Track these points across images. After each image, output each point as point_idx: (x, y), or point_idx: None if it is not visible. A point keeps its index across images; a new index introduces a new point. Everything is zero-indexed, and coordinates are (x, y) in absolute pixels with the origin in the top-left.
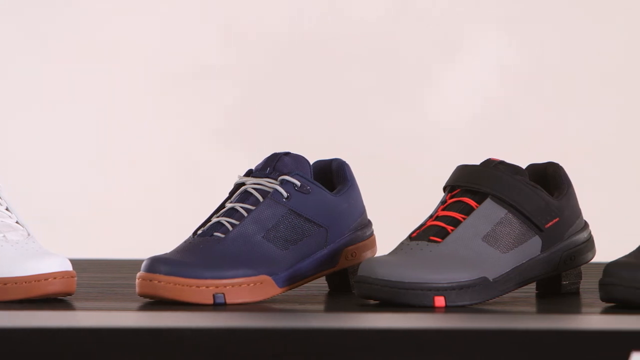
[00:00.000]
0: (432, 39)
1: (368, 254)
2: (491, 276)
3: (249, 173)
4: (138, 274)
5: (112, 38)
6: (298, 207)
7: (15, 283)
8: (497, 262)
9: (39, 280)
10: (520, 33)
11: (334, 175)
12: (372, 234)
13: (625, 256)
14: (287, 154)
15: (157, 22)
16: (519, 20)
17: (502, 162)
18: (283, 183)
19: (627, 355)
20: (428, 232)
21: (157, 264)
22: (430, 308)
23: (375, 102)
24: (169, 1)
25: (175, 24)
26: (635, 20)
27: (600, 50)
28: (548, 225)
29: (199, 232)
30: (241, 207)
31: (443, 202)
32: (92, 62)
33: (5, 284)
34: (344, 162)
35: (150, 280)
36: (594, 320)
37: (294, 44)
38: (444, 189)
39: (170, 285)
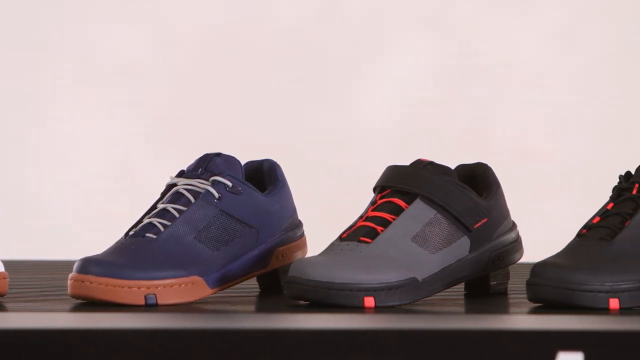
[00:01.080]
0: (360, 39)
1: (299, 255)
2: (420, 276)
3: (181, 174)
4: (70, 275)
5: (42, 37)
6: (229, 208)
7: None
8: (426, 263)
9: None
10: (449, 33)
11: (265, 176)
12: (302, 235)
13: (553, 256)
14: (218, 154)
15: (87, 21)
16: (447, 19)
17: (431, 163)
18: (214, 184)
19: (554, 355)
20: (358, 233)
21: (89, 264)
22: (360, 308)
23: (306, 102)
24: (99, 1)
25: (105, 23)
26: (560, 18)
27: (529, 49)
28: (477, 225)
29: (131, 233)
30: (173, 207)
31: (373, 202)
32: (19, 58)
33: None
34: (275, 162)
35: (82, 281)
36: (521, 320)
37: (224, 44)
38: (374, 189)
39: (102, 286)
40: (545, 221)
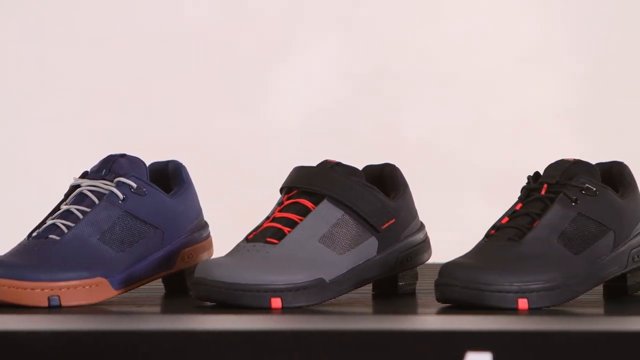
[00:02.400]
0: (270, 38)
1: (205, 256)
2: (328, 277)
3: (85, 175)
4: None
5: None
6: (134, 209)
7: None
8: (334, 263)
9: None
10: (359, 32)
11: (170, 177)
12: (208, 236)
13: (461, 257)
14: (123, 155)
15: None
16: (358, 19)
17: (338, 164)
18: (119, 185)
19: (463, 355)
20: (265, 234)
21: None
22: (267, 309)
23: (213, 102)
24: None
25: (8, 22)
26: (473, 18)
27: (437, 49)
28: (384, 226)
29: (34, 234)
30: (76, 209)
31: (280, 203)
32: None
33: None
34: (181, 163)
35: None
36: (430, 320)
37: (129, 43)
38: (281, 190)
39: (5, 288)
40: (454, 221)
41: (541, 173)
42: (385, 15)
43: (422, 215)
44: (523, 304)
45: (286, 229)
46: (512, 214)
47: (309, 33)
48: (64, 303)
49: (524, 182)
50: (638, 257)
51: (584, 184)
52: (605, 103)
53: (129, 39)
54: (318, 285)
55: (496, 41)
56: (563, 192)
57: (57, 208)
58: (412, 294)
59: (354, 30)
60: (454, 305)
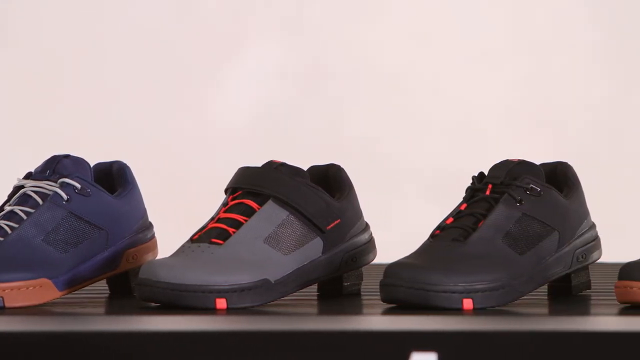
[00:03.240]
0: (214, 40)
1: (149, 257)
2: (273, 278)
3: (29, 176)
4: None
5: None
6: (78, 210)
7: None
8: (279, 264)
9: None
10: (302, 34)
11: (114, 178)
12: (153, 236)
13: (406, 257)
14: (67, 156)
15: None
16: (300, 21)
17: (283, 164)
18: (63, 186)
19: (408, 355)
20: (210, 234)
21: None
22: (211, 310)
23: (157, 103)
24: None
25: None
26: (415, 19)
27: (381, 50)
28: (329, 226)
29: None
30: (20, 210)
31: (225, 204)
32: None
33: None
34: (125, 164)
35: None
36: (375, 321)
37: (73, 42)
38: (226, 190)
39: None
40: (399, 222)
41: (486, 173)
42: (329, 15)
43: (367, 216)
44: (468, 304)
45: (231, 230)
46: (456, 214)
47: (253, 34)
48: (8, 304)
49: (469, 182)
50: (582, 257)
51: (529, 184)
52: (549, 103)
53: (73, 38)
54: (263, 286)
55: (440, 42)
56: (507, 193)
57: (1, 209)
58: (357, 294)
59: (299, 31)
60: (399, 305)
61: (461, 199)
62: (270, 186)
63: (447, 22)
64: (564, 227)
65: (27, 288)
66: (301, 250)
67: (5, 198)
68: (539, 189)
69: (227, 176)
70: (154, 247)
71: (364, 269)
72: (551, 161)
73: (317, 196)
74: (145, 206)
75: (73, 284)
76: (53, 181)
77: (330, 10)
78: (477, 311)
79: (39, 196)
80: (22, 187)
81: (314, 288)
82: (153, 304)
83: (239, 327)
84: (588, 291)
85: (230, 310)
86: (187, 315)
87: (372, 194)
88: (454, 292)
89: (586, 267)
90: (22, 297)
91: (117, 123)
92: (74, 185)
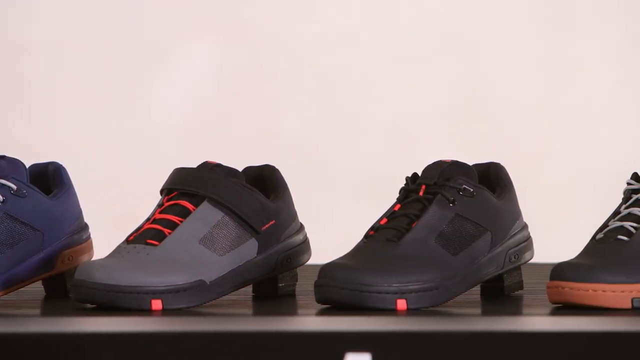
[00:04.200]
0: (148, 40)
1: (85, 258)
2: (208, 279)
3: None
4: None
5: None
6: (14, 211)
7: None
8: (214, 265)
9: None
10: (235, 34)
11: (50, 179)
12: (88, 238)
13: (340, 258)
14: (2, 157)
15: None
16: (234, 21)
17: (218, 165)
18: None
19: (342, 356)
20: (145, 235)
21: None
22: (147, 311)
23: (92, 104)
24: None
25: None
26: (349, 17)
27: (315, 50)
28: (264, 227)
29: None
30: None
31: (160, 205)
32: None
33: None
34: (61, 165)
35: None
36: (310, 321)
37: (7, 44)
38: (161, 191)
39: None
40: (334, 222)
41: (419, 174)
42: (263, 16)
43: (302, 217)
44: (402, 304)
45: (166, 231)
46: (390, 215)
47: (188, 33)
48: None
49: (403, 183)
50: (515, 257)
51: (462, 185)
52: (481, 104)
53: (8, 39)
54: (198, 287)
55: (374, 43)
56: (441, 193)
57: None
58: (292, 295)
59: (232, 31)
60: (333, 306)
61: (395, 200)
62: (206, 187)
63: (382, 23)
64: (496, 227)
65: None
66: (236, 251)
67: None
68: (471, 190)
69: (162, 177)
70: (89, 248)
71: (298, 269)
72: (484, 162)
73: (252, 197)
74: (81, 207)
75: (9, 285)
76: None
77: (266, 10)
78: (411, 311)
79: None
80: None
81: (249, 289)
82: (89, 305)
83: (175, 328)
84: (520, 291)
85: (165, 311)
86: (122, 317)
87: (307, 195)
88: (388, 293)
89: (518, 268)
90: None
91: (52, 124)
92: (9, 187)
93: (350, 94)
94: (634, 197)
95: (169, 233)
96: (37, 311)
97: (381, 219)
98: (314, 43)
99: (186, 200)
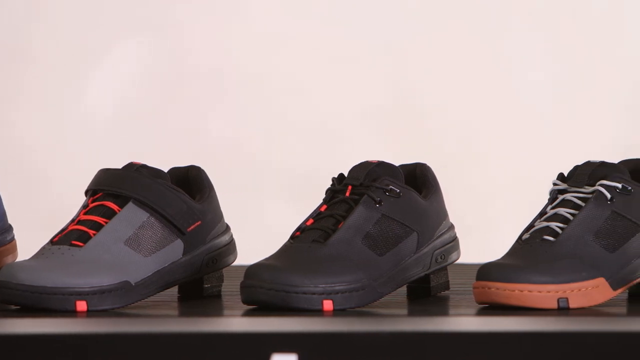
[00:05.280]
0: (73, 40)
1: (9, 259)
2: (133, 280)
3: None
4: None
5: None
6: None
7: None
8: (139, 266)
9: None
10: (164, 35)
11: None
12: (13, 239)
13: (266, 259)
14: None
15: None
16: (162, 22)
17: (143, 166)
18: None
19: (268, 357)
20: (70, 237)
21: None
22: (72, 312)
23: (16, 104)
24: None
25: None
26: (274, 18)
27: (243, 50)
28: (190, 228)
29: None
30: None
31: (85, 206)
32: None
33: None
34: None
35: None
36: (235, 322)
37: None
38: (86, 192)
39: None
40: (260, 223)
41: (346, 175)
42: (191, 16)
43: (228, 217)
44: (328, 305)
45: (91, 232)
46: (316, 215)
47: (114, 34)
48: None
49: (329, 183)
50: (441, 258)
51: (388, 186)
52: (408, 105)
53: None
54: (124, 288)
55: (301, 43)
56: (367, 194)
57: None
58: (217, 296)
59: (159, 32)
60: (259, 307)
61: (321, 201)
62: (131, 188)
63: (309, 23)
64: (422, 228)
65: None
66: (162, 252)
67: None
68: (398, 190)
69: (87, 178)
70: (13, 250)
71: (224, 270)
72: (410, 162)
73: (178, 198)
74: (5, 208)
75: None
76: None
77: (193, 10)
78: (337, 312)
79: None
80: None
81: (174, 290)
82: (13, 307)
83: (99, 329)
84: (447, 292)
85: (90, 313)
86: (47, 318)
87: (233, 196)
88: (314, 294)
89: (445, 268)
90: None
91: None
92: None
93: (277, 94)
94: (560, 197)
95: (94, 234)
96: None
97: (307, 219)
98: (241, 43)
99: (111, 201)
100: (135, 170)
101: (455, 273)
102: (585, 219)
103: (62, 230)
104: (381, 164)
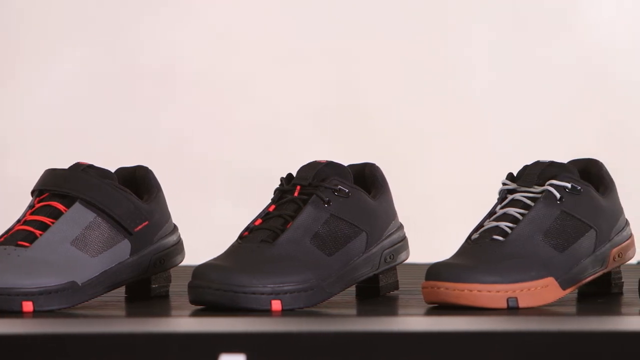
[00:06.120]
0: (19, 41)
1: None
2: (80, 280)
3: None
4: None
5: None
6: None
7: None
8: (86, 266)
9: None
10: (107, 34)
11: None
12: None
13: (214, 259)
14: None
15: None
16: (106, 21)
17: (90, 166)
18: None
19: (217, 357)
20: (16, 237)
21: None
22: (18, 313)
23: None
24: None
25: None
26: (222, 20)
27: (190, 49)
28: (137, 228)
29: None
30: None
31: (31, 206)
32: None
33: None
34: None
35: None
36: (183, 322)
37: None
38: (32, 193)
39: None
40: (208, 223)
41: (294, 175)
42: (137, 16)
43: (176, 218)
44: (277, 305)
45: (38, 232)
46: (265, 215)
47: (63, 34)
48: None
49: (277, 183)
50: (390, 257)
51: (337, 186)
52: (357, 105)
53: None
54: (70, 289)
55: (249, 42)
56: (316, 194)
57: None
58: (165, 296)
59: (106, 32)
60: (207, 307)
61: (270, 201)
62: (77, 188)
63: (257, 22)
64: (371, 228)
65: None
66: (109, 253)
67: None
68: (347, 190)
69: (34, 178)
70: None
71: (172, 270)
72: (359, 162)
73: (125, 198)
74: None
75: None
76: None
77: (140, 10)
78: (286, 312)
79: None
80: None
81: (121, 290)
82: None
83: (46, 330)
84: (396, 292)
85: (36, 313)
86: None
87: (180, 196)
88: (262, 294)
89: (394, 268)
90: None
91: None
92: None
93: (225, 94)
94: (510, 197)
95: (40, 234)
96: None
97: (256, 219)
98: (189, 43)
99: (58, 202)
100: (82, 171)
101: (404, 273)
102: (535, 218)
103: (8, 230)
104: (330, 164)
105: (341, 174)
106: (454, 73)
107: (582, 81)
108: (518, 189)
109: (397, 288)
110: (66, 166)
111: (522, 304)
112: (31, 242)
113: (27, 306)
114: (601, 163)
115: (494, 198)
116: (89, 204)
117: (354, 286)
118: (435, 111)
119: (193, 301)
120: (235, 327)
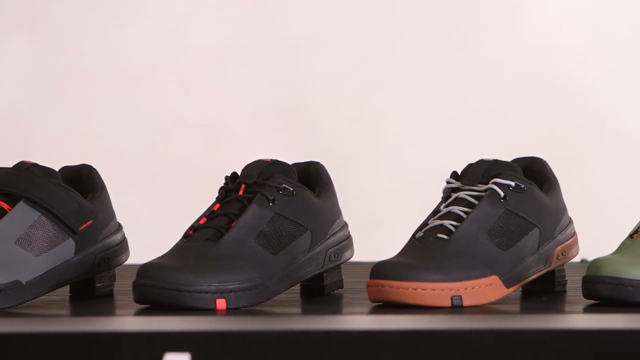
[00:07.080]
0: None
1: None
2: (24, 279)
3: None
4: None
5: None
6: None
7: None
8: (30, 265)
9: None
10: (48, 32)
11: None
12: None
13: (159, 258)
14: None
15: None
16: (47, 20)
17: (34, 165)
18: None
19: (161, 356)
20: None
21: None
22: None
23: None
24: None
25: None
26: (164, 18)
27: (131, 47)
28: (82, 227)
29: None
30: None
31: None
32: None
33: None
34: None
35: None
36: (128, 322)
37: None
38: None
39: None
40: (153, 222)
41: (239, 173)
42: (80, 14)
43: (120, 216)
44: (221, 304)
45: None
46: (210, 214)
47: (3, 31)
48: None
49: (222, 182)
50: (335, 256)
51: (281, 184)
52: (301, 103)
53: None
54: (14, 288)
55: (191, 41)
56: (260, 192)
57: None
58: (109, 295)
59: (48, 30)
60: (152, 306)
61: (214, 199)
62: (21, 187)
63: (199, 22)
64: (316, 226)
65: None
66: (53, 252)
67: None
68: (291, 189)
69: None
70: None
71: (116, 269)
72: (304, 161)
73: (69, 197)
74: None
75: None
76: None
77: (83, 9)
78: (231, 311)
79: None
80: None
81: (66, 289)
82: None
83: None
84: (340, 290)
85: None
86: None
87: (125, 194)
88: (207, 293)
89: (338, 267)
90: None
91: None
92: None
93: (169, 93)
94: (454, 195)
95: None
96: None
97: (200, 218)
98: (131, 43)
99: (2, 200)
100: (26, 169)
101: (349, 271)
102: (479, 217)
103: None
104: (274, 163)
105: (286, 172)
106: (396, 72)
107: (526, 79)
108: (462, 188)
109: (341, 287)
110: (10, 165)
111: (466, 303)
112: None
113: None
114: (545, 161)
115: (438, 196)
116: (33, 203)
117: (298, 285)
118: (379, 109)
119: (138, 300)
120: (180, 326)
